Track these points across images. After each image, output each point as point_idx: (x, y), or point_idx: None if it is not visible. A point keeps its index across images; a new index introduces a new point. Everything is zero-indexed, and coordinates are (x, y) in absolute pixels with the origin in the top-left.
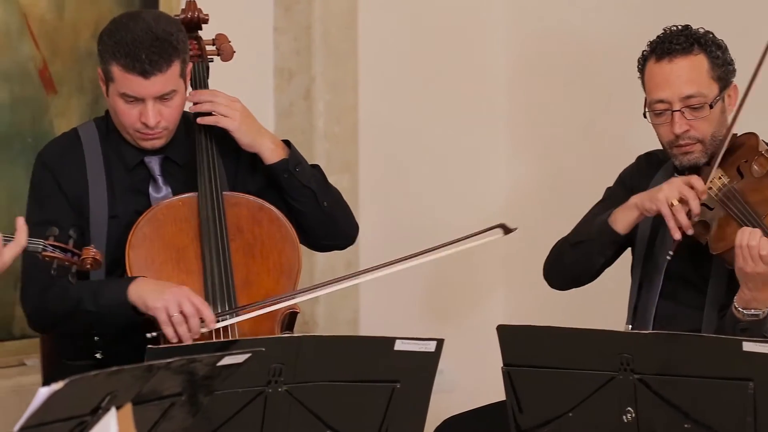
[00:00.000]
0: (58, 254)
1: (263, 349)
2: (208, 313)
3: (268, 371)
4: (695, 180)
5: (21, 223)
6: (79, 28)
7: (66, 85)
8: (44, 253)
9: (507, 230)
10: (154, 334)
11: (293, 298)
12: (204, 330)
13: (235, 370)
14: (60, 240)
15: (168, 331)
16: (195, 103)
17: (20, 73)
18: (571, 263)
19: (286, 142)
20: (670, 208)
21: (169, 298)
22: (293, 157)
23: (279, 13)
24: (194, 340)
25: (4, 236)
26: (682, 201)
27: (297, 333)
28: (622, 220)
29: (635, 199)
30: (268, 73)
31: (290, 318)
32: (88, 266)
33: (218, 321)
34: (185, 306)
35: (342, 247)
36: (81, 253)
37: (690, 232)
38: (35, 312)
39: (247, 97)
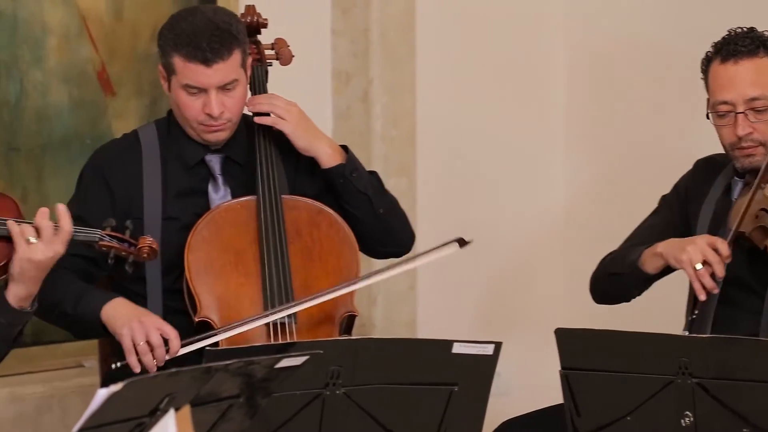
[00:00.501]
0: (114, 244)
1: (321, 352)
2: (175, 343)
3: (326, 374)
4: (720, 244)
5: (62, 209)
6: (138, 29)
7: (124, 87)
8: (101, 243)
9: (463, 243)
10: (118, 364)
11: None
12: (167, 357)
13: (293, 372)
14: (116, 230)
15: (131, 360)
16: (249, 107)
17: (79, 75)
18: (609, 290)
19: (344, 147)
20: (695, 271)
21: (136, 326)
22: (350, 162)
23: (336, 16)
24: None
25: (54, 225)
26: (706, 263)
27: (354, 335)
28: (650, 264)
29: (662, 247)
30: (325, 75)
31: (348, 321)
32: (145, 255)
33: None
34: (152, 336)
35: (398, 255)
36: (137, 242)
37: (715, 291)
38: None
39: (304, 100)
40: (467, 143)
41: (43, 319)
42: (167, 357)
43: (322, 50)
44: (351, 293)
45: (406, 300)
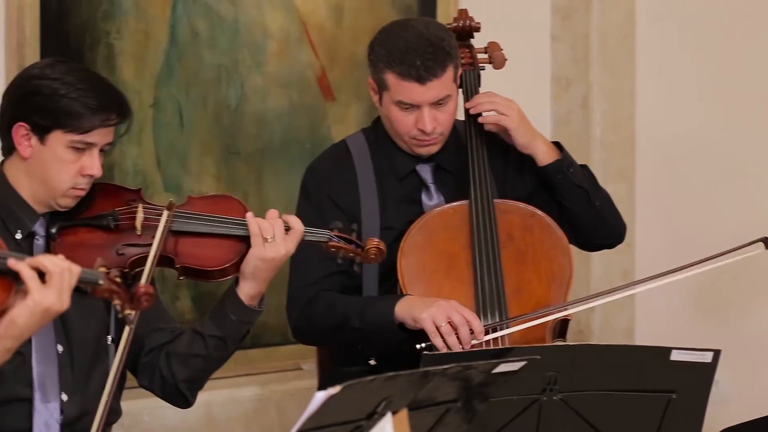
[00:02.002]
0: (343, 245)
1: (538, 357)
2: (477, 324)
3: (543, 379)
4: None
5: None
6: (357, 35)
7: (344, 92)
8: (330, 243)
9: None
10: (423, 345)
11: (564, 310)
12: (474, 341)
13: (511, 377)
14: (344, 232)
15: (437, 342)
16: (471, 108)
17: (299, 80)
18: None
19: (556, 144)
20: None
21: (436, 310)
22: (566, 157)
23: (556, 22)
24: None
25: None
26: None
27: (571, 341)
28: None
29: None
30: (545, 81)
31: (562, 325)
32: (372, 257)
33: (488, 332)
34: (453, 316)
35: (612, 246)
36: (364, 244)
37: None
38: (299, 325)
39: (523, 105)
40: (687, 150)
41: (332, 342)
42: (474, 341)
43: (541, 56)
44: (565, 297)
45: (624, 306)
